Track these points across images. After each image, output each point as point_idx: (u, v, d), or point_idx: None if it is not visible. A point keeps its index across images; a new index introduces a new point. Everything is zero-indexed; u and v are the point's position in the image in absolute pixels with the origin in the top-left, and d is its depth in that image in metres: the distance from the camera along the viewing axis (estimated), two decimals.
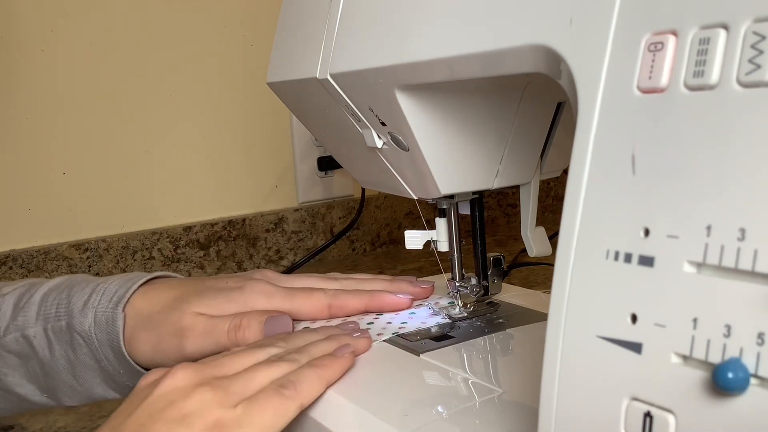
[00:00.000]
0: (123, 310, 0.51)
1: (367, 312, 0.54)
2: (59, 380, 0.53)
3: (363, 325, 0.51)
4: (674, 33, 0.25)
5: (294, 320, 0.52)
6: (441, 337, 0.49)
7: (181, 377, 0.39)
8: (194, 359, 0.44)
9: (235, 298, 0.51)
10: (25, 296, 0.53)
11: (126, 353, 0.50)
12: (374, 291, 0.54)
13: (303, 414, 0.41)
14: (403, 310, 0.54)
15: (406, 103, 0.43)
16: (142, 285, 0.52)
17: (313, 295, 0.53)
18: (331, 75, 0.47)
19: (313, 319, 0.53)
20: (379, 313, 0.54)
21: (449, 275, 0.56)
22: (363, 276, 0.59)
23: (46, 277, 0.82)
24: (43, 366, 0.53)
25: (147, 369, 0.51)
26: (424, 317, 0.53)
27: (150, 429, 0.36)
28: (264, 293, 0.52)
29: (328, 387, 0.42)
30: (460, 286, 0.55)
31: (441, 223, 0.54)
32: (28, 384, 0.53)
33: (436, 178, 0.47)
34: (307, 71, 0.49)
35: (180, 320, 0.49)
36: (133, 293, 0.51)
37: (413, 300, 0.55)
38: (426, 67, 0.39)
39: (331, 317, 0.53)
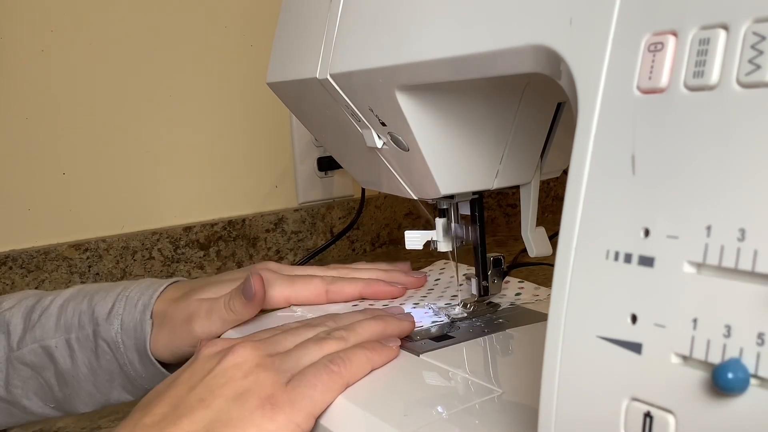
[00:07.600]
0: (150, 316, 0.54)
1: (362, 299, 0.57)
2: (78, 388, 0.56)
3: None
4: (674, 33, 0.25)
5: (294, 305, 0.57)
6: (441, 337, 0.49)
7: (241, 354, 0.41)
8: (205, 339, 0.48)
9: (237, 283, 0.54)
10: (37, 309, 0.56)
11: (151, 354, 0.54)
12: (369, 279, 0.58)
13: None
14: (396, 298, 0.57)
15: (406, 103, 0.43)
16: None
17: (312, 281, 0.57)
18: (331, 75, 0.46)
19: (312, 304, 0.57)
20: (374, 300, 0.57)
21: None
22: (361, 265, 0.63)
23: (46, 278, 0.83)
24: (62, 376, 0.55)
25: (165, 365, 0.54)
26: (417, 319, 0.52)
27: (210, 404, 0.38)
28: (265, 279, 0.54)
29: (372, 370, 0.44)
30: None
31: (440, 223, 0.54)
32: (34, 396, 0.56)
33: (436, 178, 0.47)
34: (307, 71, 0.49)
35: (187, 308, 0.53)
36: (157, 299, 0.55)
37: (405, 289, 0.59)
38: (426, 67, 0.39)
39: (329, 302, 0.57)
